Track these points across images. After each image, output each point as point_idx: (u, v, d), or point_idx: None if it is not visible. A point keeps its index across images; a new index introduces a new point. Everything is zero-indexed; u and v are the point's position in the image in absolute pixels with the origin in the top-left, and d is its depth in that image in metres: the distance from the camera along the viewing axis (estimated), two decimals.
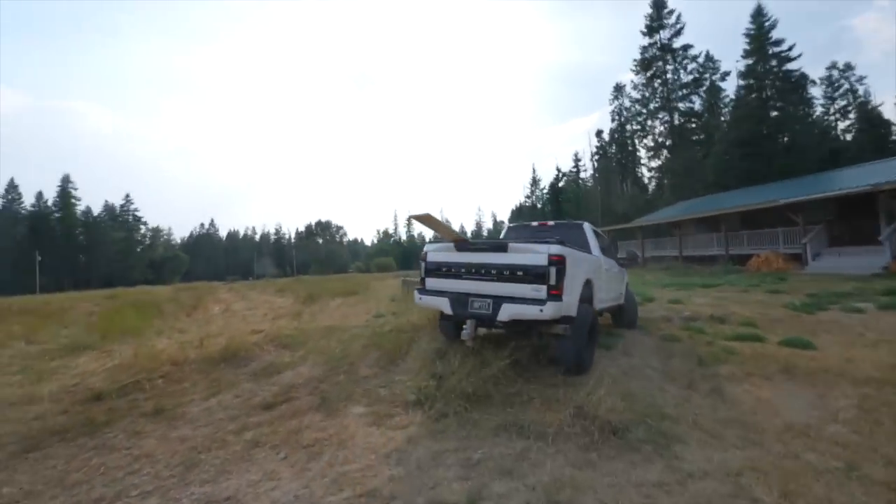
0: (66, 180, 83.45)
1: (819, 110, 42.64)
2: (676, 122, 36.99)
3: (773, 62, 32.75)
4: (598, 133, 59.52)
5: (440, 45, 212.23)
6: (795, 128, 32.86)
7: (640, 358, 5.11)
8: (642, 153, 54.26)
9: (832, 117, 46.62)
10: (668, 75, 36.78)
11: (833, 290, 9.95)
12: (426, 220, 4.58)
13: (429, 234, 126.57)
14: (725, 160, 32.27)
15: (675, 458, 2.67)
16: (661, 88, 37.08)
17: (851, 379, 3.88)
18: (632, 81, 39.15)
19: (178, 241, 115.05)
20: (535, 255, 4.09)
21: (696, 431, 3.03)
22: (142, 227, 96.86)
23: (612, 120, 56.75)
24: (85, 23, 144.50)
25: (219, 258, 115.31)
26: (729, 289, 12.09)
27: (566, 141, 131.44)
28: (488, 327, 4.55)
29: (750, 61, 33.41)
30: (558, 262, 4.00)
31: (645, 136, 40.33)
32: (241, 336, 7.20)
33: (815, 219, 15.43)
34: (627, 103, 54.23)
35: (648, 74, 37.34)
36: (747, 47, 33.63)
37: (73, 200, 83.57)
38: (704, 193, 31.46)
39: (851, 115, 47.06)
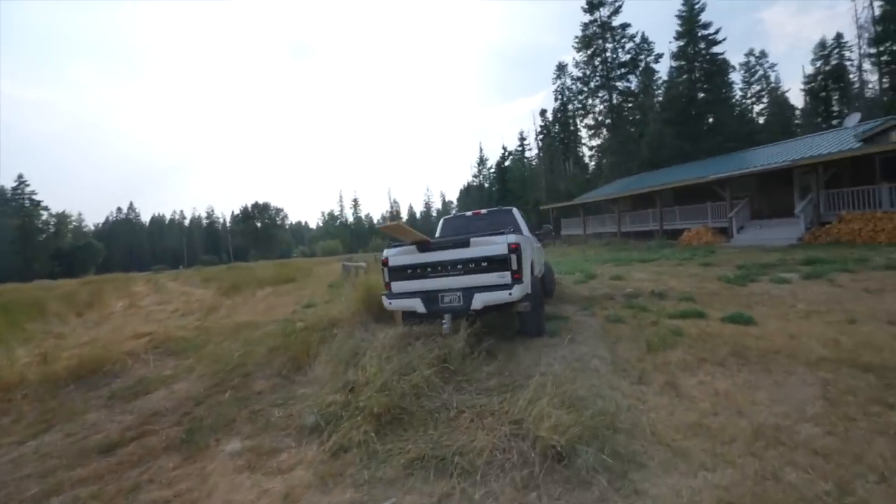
0: None
1: (738, 94, 46.08)
2: (615, 101, 38.01)
3: (702, 45, 34.46)
4: (542, 112, 60.17)
5: (384, 18, 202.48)
6: (719, 109, 35.12)
7: (587, 345, 4.60)
8: (583, 133, 55.81)
9: (749, 100, 50.74)
10: (608, 54, 37.45)
11: (759, 261, 10.35)
12: (396, 229, 4.74)
13: (376, 214, 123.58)
14: (659, 139, 33.81)
15: (636, 494, 2.05)
16: (600, 67, 37.71)
17: (804, 361, 3.57)
18: (574, 59, 39.57)
19: (92, 227, 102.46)
20: (496, 245, 4.50)
21: (657, 447, 2.45)
22: (42, 212, 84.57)
23: (556, 99, 57.51)
24: None
25: (142, 246, 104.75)
26: (665, 263, 12.33)
27: (513, 120, 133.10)
28: (461, 317, 4.63)
29: (681, 43, 34.90)
30: (516, 249, 4.43)
31: (586, 115, 41.15)
32: (119, 342, 5.82)
33: (740, 194, 16.34)
34: (569, 83, 55.11)
35: (589, 52, 37.75)
36: (679, 29, 35.04)
37: None
38: (640, 171, 32.89)
39: (765, 99, 51.56)
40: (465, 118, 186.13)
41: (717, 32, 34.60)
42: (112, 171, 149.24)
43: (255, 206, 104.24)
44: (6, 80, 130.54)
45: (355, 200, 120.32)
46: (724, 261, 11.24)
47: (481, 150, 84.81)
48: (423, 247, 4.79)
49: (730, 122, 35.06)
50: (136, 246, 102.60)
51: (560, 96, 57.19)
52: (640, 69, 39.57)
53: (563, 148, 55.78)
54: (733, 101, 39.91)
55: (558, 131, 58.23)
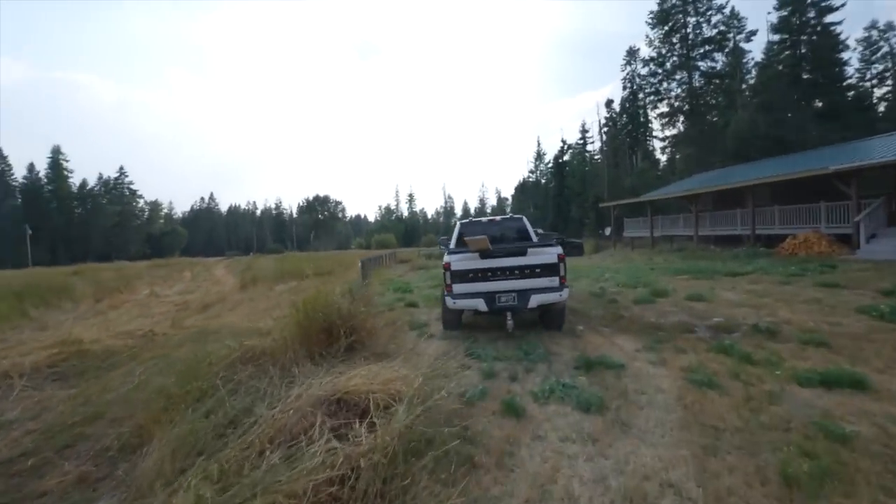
0: (56, 151, 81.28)
1: (854, 75, 38.28)
2: (695, 83, 32.93)
3: (812, 13, 28.58)
4: (609, 103, 55.15)
5: (446, 14, 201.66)
6: (830, 92, 29.06)
7: (650, 444, 2.57)
8: (655, 124, 50.23)
9: (868, 83, 42.14)
10: (689, 29, 32.33)
11: None
12: (480, 243, 5.37)
13: (430, 209, 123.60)
14: (749, 128, 28.72)
15: None
16: (679, 45, 32.74)
17: None
18: (647, 37, 34.88)
19: (180, 215, 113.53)
20: (548, 255, 5.52)
21: None
22: (139, 200, 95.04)
23: (624, 88, 52.29)
24: None
25: (219, 233, 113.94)
26: (763, 278, 9.41)
27: (575, 115, 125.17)
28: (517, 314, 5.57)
29: (784, 12, 29.24)
30: (562, 259, 5.53)
31: (659, 101, 36.19)
32: (44, 348, 4.76)
33: (871, 192, 12.51)
34: (641, 69, 49.81)
35: (666, 28, 32.87)
36: None
37: (65, 172, 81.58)
38: (724, 165, 28.20)
39: (889, 82, 42.54)
40: (524, 112, 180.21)
41: None
42: (199, 164, 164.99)
43: (317, 198, 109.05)
44: (121, 86, 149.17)
45: (410, 195, 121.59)
46: (855, 281, 8.17)
47: (539, 145, 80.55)
48: (485, 254, 5.49)
49: (844, 107, 28.88)
50: (214, 233, 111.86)
51: (629, 84, 51.94)
52: (728, 48, 34.11)
53: (631, 141, 50.70)
54: (848, 82, 33.03)
55: (625, 122, 53.06)
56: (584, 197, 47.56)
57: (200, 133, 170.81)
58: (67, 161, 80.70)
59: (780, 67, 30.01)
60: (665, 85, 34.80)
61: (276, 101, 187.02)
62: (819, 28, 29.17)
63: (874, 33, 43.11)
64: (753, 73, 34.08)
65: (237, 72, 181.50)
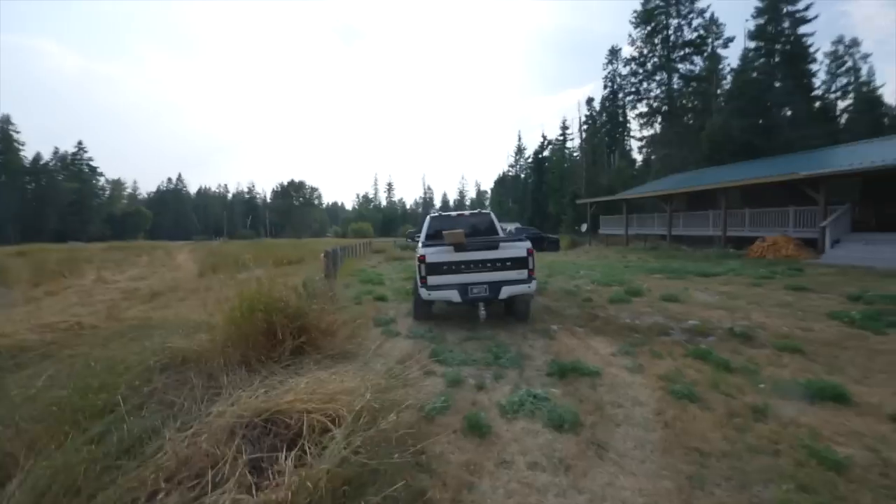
0: (6, 121, 75.32)
1: (821, 86, 39.85)
2: (675, 85, 33.41)
3: (786, 23, 29.39)
4: (589, 101, 55.48)
5: (433, 4, 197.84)
6: (799, 101, 30.07)
7: (630, 470, 2.26)
8: (633, 124, 50.99)
9: (833, 95, 44.04)
10: (671, 31, 32.69)
11: (882, 290, 7.36)
12: (457, 236, 5.68)
13: (409, 199, 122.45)
14: (723, 132, 29.41)
15: None
16: (661, 46, 33.06)
17: None
18: (629, 36, 35.04)
19: (145, 195, 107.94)
20: (518, 249, 5.78)
21: None
22: (99, 178, 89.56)
23: (605, 87, 52.74)
24: None
25: (187, 216, 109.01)
26: (735, 280, 9.46)
27: (556, 112, 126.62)
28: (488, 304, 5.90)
29: (761, 21, 29.94)
30: (531, 253, 5.79)
31: (639, 101, 36.62)
32: None
33: (837, 199, 12.87)
34: (622, 69, 50.31)
35: (649, 28, 33.10)
36: (760, 4, 30.03)
37: (16, 144, 75.78)
38: (698, 167, 28.82)
39: (851, 95, 44.59)
40: (506, 107, 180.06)
41: (807, 9, 29.40)
42: (166, 144, 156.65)
43: (291, 183, 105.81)
44: (78, 54, 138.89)
45: (389, 185, 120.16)
46: (822, 285, 8.27)
47: (520, 139, 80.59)
48: (460, 247, 5.68)
49: (810, 116, 30.01)
50: (182, 216, 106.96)
51: (610, 83, 52.42)
52: (706, 53, 34.74)
53: (610, 139, 51.35)
54: (815, 93, 34.32)
55: (605, 121, 53.70)
56: (561, 193, 47.93)
57: (170, 112, 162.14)
58: (18, 133, 74.95)
59: (755, 74, 30.78)
60: (645, 85, 35.19)
61: (250, 82, 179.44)
62: (792, 38, 30.05)
63: (840, 48, 45.03)
64: (729, 78, 34.93)
65: (211, 50, 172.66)
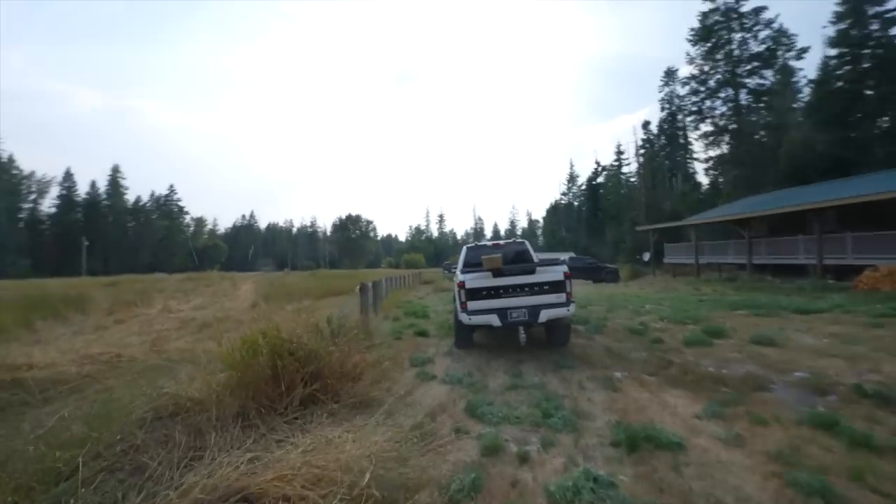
0: (115, 170, 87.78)
1: None
2: (742, 101, 30.72)
3: (875, 25, 26.21)
4: (645, 125, 53.28)
5: (481, 39, 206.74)
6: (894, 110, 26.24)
7: None
8: (696, 145, 47.76)
9: None
10: (734, 46, 30.39)
11: None
12: (494, 261, 5.82)
13: (460, 230, 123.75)
14: (804, 148, 26.28)
15: None
16: (724, 62, 30.79)
17: None
18: (687, 55, 33.13)
19: (223, 231, 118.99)
20: (555, 273, 5.86)
21: None
22: (185, 216, 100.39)
23: (662, 109, 50.57)
24: (151, 26, 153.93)
25: (257, 249, 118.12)
26: (844, 318, 7.77)
27: (609, 139, 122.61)
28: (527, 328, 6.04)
29: (843, 25, 27.02)
30: (568, 276, 5.86)
31: (701, 121, 34.00)
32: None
33: None
34: (680, 89, 47.90)
35: (709, 45, 31.02)
36: (839, 9, 27.23)
37: (121, 189, 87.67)
38: (777, 188, 25.81)
39: None
40: (556, 135, 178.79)
41: None
42: (242, 184, 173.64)
43: (349, 217, 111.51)
44: (175, 111, 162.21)
45: (440, 216, 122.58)
46: None
47: (572, 167, 78.47)
48: (497, 272, 5.79)
49: None
50: (253, 249, 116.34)
51: (668, 105, 50.13)
52: (777, 66, 31.87)
53: (670, 163, 48.44)
54: None
55: (664, 144, 51.02)
56: (619, 220, 45.46)
57: (244, 155, 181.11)
58: (124, 179, 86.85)
59: (840, 84, 27.55)
60: (708, 103, 32.69)
61: (314, 125, 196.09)
62: (883, 41, 26.68)
63: None
64: (807, 90, 31.62)
65: (280, 97, 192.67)
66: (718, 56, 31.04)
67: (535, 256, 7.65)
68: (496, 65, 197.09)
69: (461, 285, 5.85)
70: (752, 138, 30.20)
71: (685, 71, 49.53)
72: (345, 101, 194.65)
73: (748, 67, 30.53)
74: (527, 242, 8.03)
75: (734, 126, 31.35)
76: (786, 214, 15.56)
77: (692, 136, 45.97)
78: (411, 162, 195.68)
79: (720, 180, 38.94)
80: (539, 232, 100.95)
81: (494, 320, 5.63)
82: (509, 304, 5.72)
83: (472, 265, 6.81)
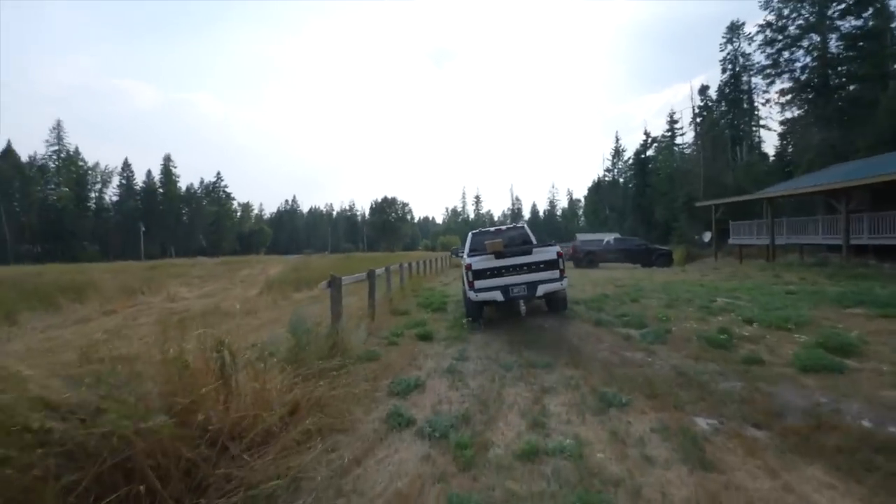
0: (167, 159, 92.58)
1: None
2: (832, 49, 25.58)
3: None
4: (703, 90, 47.60)
5: (519, 13, 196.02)
6: None
7: None
8: (763, 111, 42.01)
9: None
10: None
11: None
12: (497, 245, 6.72)
13: (497, 211, 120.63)
14: None
15: None
16: (809, 1, 25.60)
17: None
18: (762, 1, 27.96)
19: (268, 216, 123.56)
20: (548, 253, 6.75)
21: None
22: (232, 202, 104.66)
23: (724, 71, 44.91)
24: (202, 23, 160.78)
25: (299, 233, 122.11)
26: None
27: (658, 111, 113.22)
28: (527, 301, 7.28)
29: None
30: (560, 256, 6.74)
31: (778, 76, 28.90)
32: None
33: None
34: (748, 47, 41.93)
35: None
36: None
37: (174, 178, 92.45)
38: (868, 155, 21.50)
39: None
40: (599, 110, 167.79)
41: None
42: (286, 169, 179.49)
43: (385, 200, 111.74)
44: (226, 103, 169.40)
45: (477, 197, 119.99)
46: None
47: (617, 140, 72.11)
48: (499, 255, 6.68)
49: None
50: (295, 233, 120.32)
51: (731, 66, 44.38)
52: (872, 10, 26.25)
53: (731, 132, 43.04)
54: None
55: (725, 111, 45.43)
56: (672, 197, 41.16)
57: (286, 141, 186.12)
58: (176, 167, 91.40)
59: None
60: (787, 55, 27.75)
61: (352, 109, 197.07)
62: None
63: None
64: None
65: (319, 84, 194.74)
66: None
67: (534, 239, 8.34)
68: (534, 39, 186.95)
69: (468, 267, 6.68)
70: (844, 93, 25.32)
71: (756, 20, 43.19)
72: (382, 84, 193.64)
73: (841, 7, 25.30)
74: (525, 226, 8.82)
75: (819, 80, 26.45)
76: (895, 183, 12.28)
77: (762, 98, 40.42)
78: (448, 143, 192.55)
79: (790, 149, 33.71)
80: (580, 212, 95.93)
81: (498, 296, 6.53)
82: (510, 282, 6.58)
83: (476, 249, 7.53)
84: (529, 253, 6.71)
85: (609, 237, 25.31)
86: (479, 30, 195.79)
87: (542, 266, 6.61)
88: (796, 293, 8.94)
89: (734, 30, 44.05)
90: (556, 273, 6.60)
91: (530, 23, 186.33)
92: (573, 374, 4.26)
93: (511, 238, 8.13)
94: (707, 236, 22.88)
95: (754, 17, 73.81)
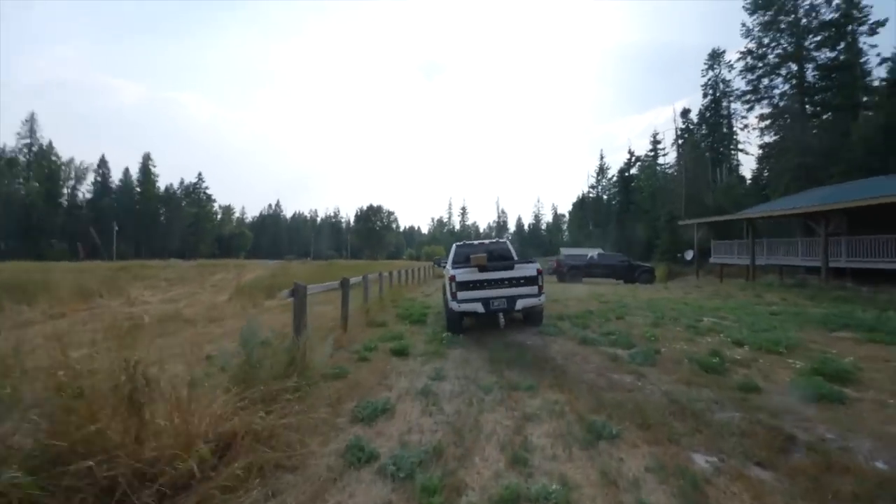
0: (146, 158, 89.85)
1: None
2: (809, 79, 26.61)
3: None
4: (685, 113, 49.02)
5: (510, 30, 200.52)
6: None
7: None
8: (741, 135, 43.52)
9: None
10: (800, 14, 26.07)
11: None
12: (482, 259, 6.99)
13: (482, 223, 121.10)
14: (884, 132, 22.47)
15: None
16: (788, 32, 26.66)
17: None
18: (743, 27, 28.93)
19: (250, 219, 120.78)
20: (529, 269, 7.02)
21: None
22: (213, 204, 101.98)
23: (705, 95, 46.40)
24: (195, 24, 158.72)
25: (282, 238, 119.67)
26: None
27: (641, 132, 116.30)
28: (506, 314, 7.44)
29: None
30: (540, 272, 7.02)
31: (757, 101, 29.92)
32: None
33: None
34: (727, 74, 43.54)
35: (770, 13, 26.84)
36: None
37: (152, 177, 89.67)
38: (841, 180, 22.23)
39: None
40: (585, 128, 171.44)
41: None
42: (268, 173, 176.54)
43: (370, 208, 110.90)
44: (215, 104, 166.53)
45: (463, 209, 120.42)
46: None
47: (602, 158, 73.46)
48: (482, 268, 6.94)
49: None
50: (278, 237, 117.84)
51: (711, 91, 45.86)
52: (844, 44, 27.48)
53: (711, 154, 44.31)
54: None
55: (705, 134, 46.82)
56: (653, 214, 41.90)
57: (272, 144, 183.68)
58: (155, 167, 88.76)
59: None
60: (766, 81, 28.77)
61: (340, 116, 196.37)
62: None
63: None
64: (882, 69, 27.17)
65: (306, 90, 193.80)
66: (782, 25, 26.90)
67: (514, 254, 8.65)
68: (523, 57, 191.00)
69: (452, 279, 6.87)
70: (818, 121, 26.30)
71: (738, 46, 44.73)
72: (372, 94, 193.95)
73: (817, 39, 26.41)
74: (508, 242, 9.08)
75: (796, 106, 27.41)
76: (871, 208, 12.54)
77: (741, 123, 41.84)
78: (436, 154, 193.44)
79: (766, 173, 34.76)
80: (565, 227, 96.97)
81: (479, 307, 6.73)
82: (491, 295, 6.82)
83: (460, 261, 7.76)
84: (511, 268, 7.00)
85: (593, 252, 25.34)
86: (469, 45, 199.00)
87: (522, 281, 6.89)
88: (780, 314, 8.85)
89: (715, 57, 45.65)
90: (535, 289, 6.90)
91: (520, 41, 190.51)
92: (558, 399, 3.89)
93: (493, 252, 8.32)
94: (689, 254, 23.12)
95: (734, 46, 77.02)
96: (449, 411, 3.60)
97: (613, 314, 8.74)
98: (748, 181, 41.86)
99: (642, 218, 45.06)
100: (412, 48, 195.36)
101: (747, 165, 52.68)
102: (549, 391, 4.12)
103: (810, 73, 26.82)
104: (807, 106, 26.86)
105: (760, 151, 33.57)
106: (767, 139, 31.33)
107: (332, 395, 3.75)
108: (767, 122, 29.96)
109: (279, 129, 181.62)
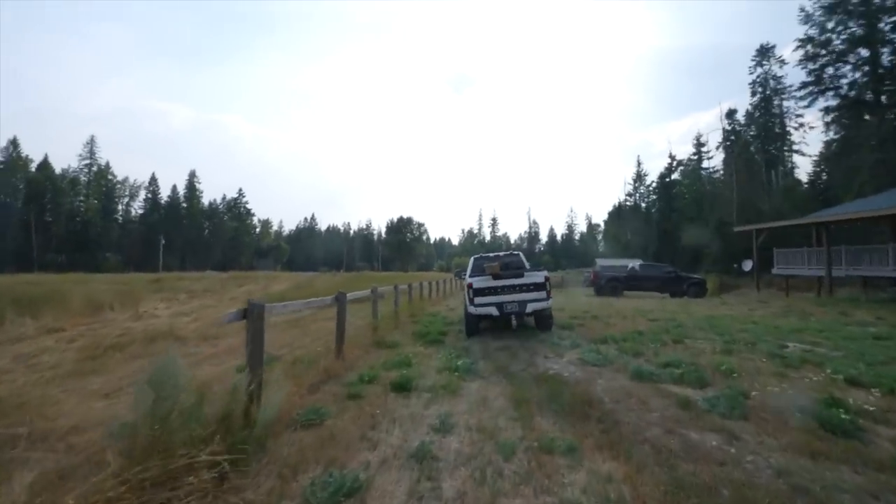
0: (192, 175, 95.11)
1: None
2: (885, 63, 23.35)
3: None
4: (730, 114, 45.61)
5: (539, 40, 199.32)
6: None
7: None
8: (795, 135, 39.89)
9: None
10: None
11: None
12: (496, 268, 7.88)
13: (513, 234, 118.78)
14: None
15: None
16: (857, 13, 23.56)
17: None
18: (802, 12, 26.04)
19: (287, 233, 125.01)
20: (538, 276, 7.91)
21: None
22: (252, 217, 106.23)
23: (753, 94, 43.02)
24: (236, 50, 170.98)
25: (317, 250, 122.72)
26: None
27: (680, 137, 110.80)
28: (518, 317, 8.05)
29: None
30: (547, 279, 7.91)
31: (821, 94, 26.77)
32: None
33: None
34: (778, 70, 40.26)
35: None
36: None
37: (197, 193, 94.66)
38: None
39: None
40: (619, 135, 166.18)
41: None
42: (306, 187, 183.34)
43: (401, 220, 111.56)
44: (254, 124, 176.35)
45: (493, 220, 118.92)
46: None
47: (639, 165, 69.60)
48: (496, 276, 7.79)
49: None
50: (313, 250, 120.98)
51: (761, 89, 42.44)
52: None
53: (762, 156, 40.76)
54: None
55: (754, 135, 43.24)
56: (700, 221, 38.78)
57: (308, 160, 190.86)
58: (200, 183, 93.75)
59: None
60: (832, 70, 25.75)
61: (374, 132, 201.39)
62: None
63: None
64: None
65: (340, 106, 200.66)
66: (850, 6, 23.86)
67: (527, 264, 9.35)
68: (552, 65, 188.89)
69: (469, 286, 7.80)
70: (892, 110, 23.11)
71: (786, 41, 41.51)
72: (403, 109, 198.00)
73: (894, 19, 23.29)
74: (520, 253, 9.83)
75: (870, 96, 24.26)
76: None
77: (795, 122, 38.36)
78: (466, 166, 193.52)
79: (825, 175, 31.06)
80: (599, 236, 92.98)
81: (494, 311, 7.61)
82: (505, 299, 7.68)
83: (477, 272, 8.55)
84: (521, 276, 7.92)
85: (633, 263, 23.31)
86: (499, 57, 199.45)
87: (531, 287, 7.75)
88: (887, 338, 7.02)
89: (764, 53, 42.39)
90: (543, 294, 7.74)
91: (549, 51, 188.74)
92: (611, 472, 2.65)
93: (507, 263, 9.05)
94: (748, 264, 20.66)
95: (782, 41, 72.16)
96: (449, 494, 2.44)
97: (669, 336, 7.25)
98: (804, 185, 38.09)
99: (686, 226, 41.99)
100: (441, 63, 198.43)
101: (803, 168, 48.36)
102: (598, 457, 2.88)
103: (886, 58, 23.68)
104: (882, 96, 23.68)
105: (822, 150, 30.21)
106: (833, 135, 28.06)
107: (287, 461, 2.69)
108: (833, 115, 26.81)
109: (314, 146, 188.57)
